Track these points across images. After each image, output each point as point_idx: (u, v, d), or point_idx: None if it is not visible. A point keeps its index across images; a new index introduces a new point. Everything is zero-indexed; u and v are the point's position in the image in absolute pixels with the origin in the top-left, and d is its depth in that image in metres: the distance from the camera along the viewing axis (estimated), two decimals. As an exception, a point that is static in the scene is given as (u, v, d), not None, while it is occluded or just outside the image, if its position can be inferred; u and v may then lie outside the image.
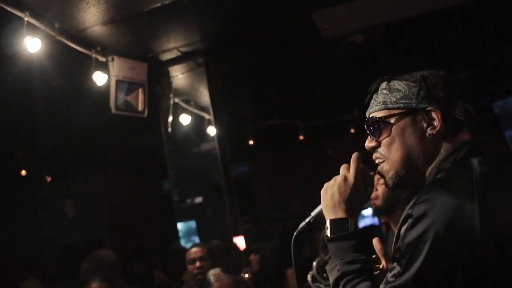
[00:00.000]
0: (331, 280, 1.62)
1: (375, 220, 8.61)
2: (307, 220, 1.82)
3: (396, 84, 1.67)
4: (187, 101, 6.36)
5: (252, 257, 5.74)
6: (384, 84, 1.71)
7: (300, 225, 1.83)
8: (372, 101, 1.74)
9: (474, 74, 8.10)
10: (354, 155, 1.73)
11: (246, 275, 4.80)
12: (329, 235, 1.65)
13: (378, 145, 1.69)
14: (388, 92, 1.68)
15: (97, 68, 5.04)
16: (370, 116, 1.71)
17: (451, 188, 1.42)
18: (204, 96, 6.27)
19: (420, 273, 1.37)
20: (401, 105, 1.64)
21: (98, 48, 5.08)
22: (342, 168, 1.73)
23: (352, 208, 1.66)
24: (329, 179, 1.74)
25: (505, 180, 1.46)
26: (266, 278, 5.23)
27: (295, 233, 1.84)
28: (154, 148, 7.38)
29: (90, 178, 10.12)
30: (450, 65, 7.75)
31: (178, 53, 5.96)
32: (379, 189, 2.64)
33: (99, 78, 5.03)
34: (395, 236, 1.51)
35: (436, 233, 1.36)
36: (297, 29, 5.90)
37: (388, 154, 1.67)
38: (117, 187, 10.31)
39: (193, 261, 4.33)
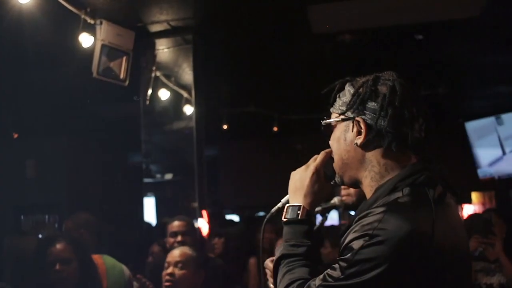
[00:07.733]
0: (274, 259, 1.71)
1: (335, 221, 8.71)
2: (277, 206, 1.89)
3: (348, 87, 1.67)
4: (168, 76, 6.26)
5: (216, 240, 5.71)
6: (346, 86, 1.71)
7: (271, 210, 1.91)
8: None
9: (452, 91, 8.23)
10: (327, 150, 1.77)
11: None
12: (283, 219, 1.72)
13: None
14: (340, 95, 1.69)
15: (84, 30, 4.93)
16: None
17: (409, 213, 1.44)
18: (186, 74, 6.18)
19: None
20: (340, 110, 1.67)
21: (88, 10, 4.94)
22: (312, 159, 1.79)
23: (310, 196, 1.72)
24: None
25: (450, 215, 1.55)
26: (228, 262, 5.22)
27: (266, 218, 1.93)
28: (126, 119, 7.25)
29: (54, 140, 9.88)
30: (430, 79, 7.85)
31: (168, 27, 5.84)
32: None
33: (85, 40, 4.92)
34: (346, 231, 1.52)
35: (385, 258, 1.38)
36: (289, 20, 5.87)
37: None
38: (80, 153, 10.10)
39: (175, 234, 4.23)
